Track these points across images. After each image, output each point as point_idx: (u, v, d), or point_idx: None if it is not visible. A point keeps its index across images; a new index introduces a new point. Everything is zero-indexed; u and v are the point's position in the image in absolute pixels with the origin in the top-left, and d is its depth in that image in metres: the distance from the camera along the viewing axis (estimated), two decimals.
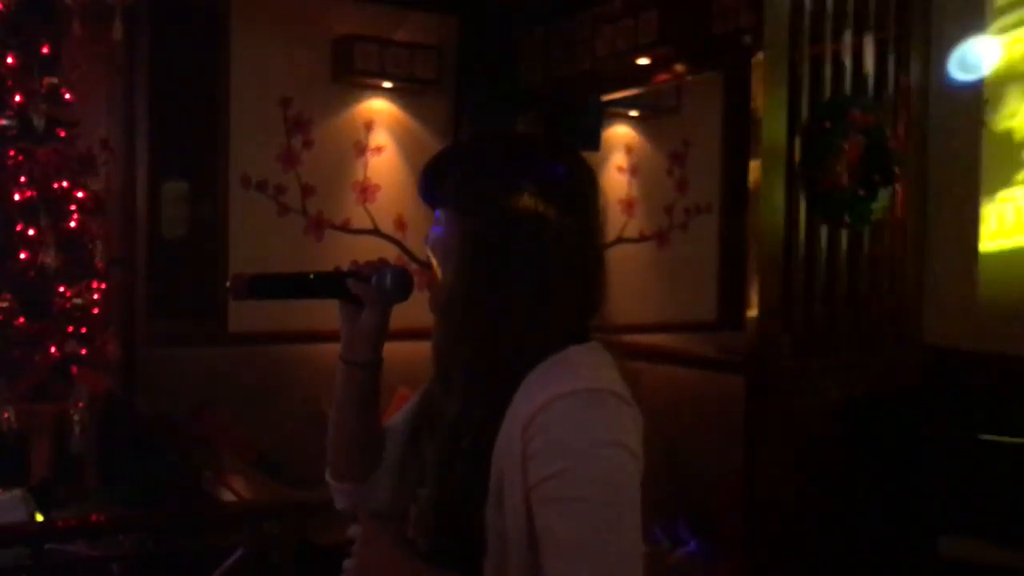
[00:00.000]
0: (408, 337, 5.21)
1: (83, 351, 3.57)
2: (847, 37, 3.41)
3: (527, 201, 1.16)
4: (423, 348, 4.95)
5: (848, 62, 3.40)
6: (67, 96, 3.64)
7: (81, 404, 3.53)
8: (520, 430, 1.08)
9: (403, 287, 1.30)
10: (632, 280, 5.53)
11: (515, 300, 1.15)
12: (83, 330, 3.59)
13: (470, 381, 1.17)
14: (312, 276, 1.29)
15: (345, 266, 1.36)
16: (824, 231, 3.31)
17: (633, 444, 1.10)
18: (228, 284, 1.31)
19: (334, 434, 1.37)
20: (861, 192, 3.27)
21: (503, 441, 1.11)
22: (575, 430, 1.06)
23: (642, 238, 5.58)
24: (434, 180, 1.24)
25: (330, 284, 1.29)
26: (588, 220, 1.22)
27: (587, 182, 1.24)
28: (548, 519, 1.06)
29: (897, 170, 3.33)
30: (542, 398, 1.08)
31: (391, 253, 4.95)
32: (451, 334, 1.21)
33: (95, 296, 3.64)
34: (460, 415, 1.17)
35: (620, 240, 5.51)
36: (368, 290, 1.29)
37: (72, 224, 3.58)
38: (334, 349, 5.14)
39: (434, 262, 1.25)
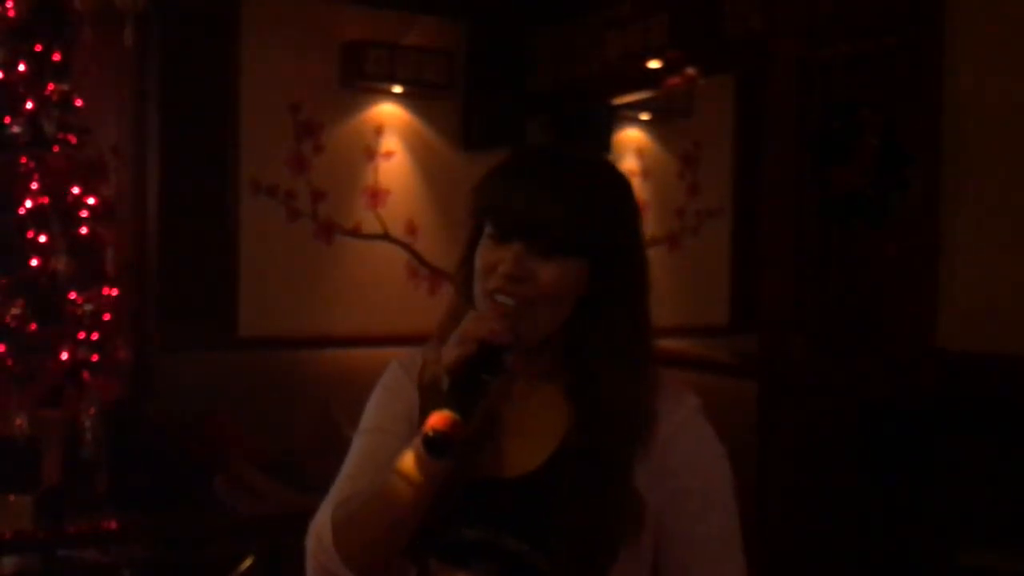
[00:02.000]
0: (414, 343, 5.19)
1: (94, 357, 3.57)
2: (860, 39, 3.38)
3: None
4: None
5: (861, 64, 3.38)
6: (78, 103, 3.65)
7: (92, 410, 3.54)
8: (659, 446, 1.14)
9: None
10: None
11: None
12: (94, 336, 3.59)
13: (621, 407, 1.14)
14: (486, 375, 1.06)
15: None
16: (837, 234, 3.28)
17: None
18: (428, 447, 1.04)
19: (394, 533, 1.11)
20: (874, 194, 3.24)
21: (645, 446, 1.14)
22: (712, 444, 1.18)
23: (653, 242, 5.55)
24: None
25: (497, 365, 1.08)
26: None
27: None
28: (697, 525, 1.14)
29: (910, 171, 3.30)
30: (679, 416, 1.16)
31: (401, 257, 4.95)
32: (619, 373, 1.14)
33: (106, 302, 3.64)
34: (604, 443, 1.12)
35: None
36: (514, 353, 1.12)
37: (83, 230, 3.59)
38: (343, 354, 5.13)
39: (534, 292, 1.11)
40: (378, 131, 4.86)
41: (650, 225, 5.56)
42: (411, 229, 4.96)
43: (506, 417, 1.17)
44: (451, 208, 5.07)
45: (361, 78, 4.68)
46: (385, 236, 4.90)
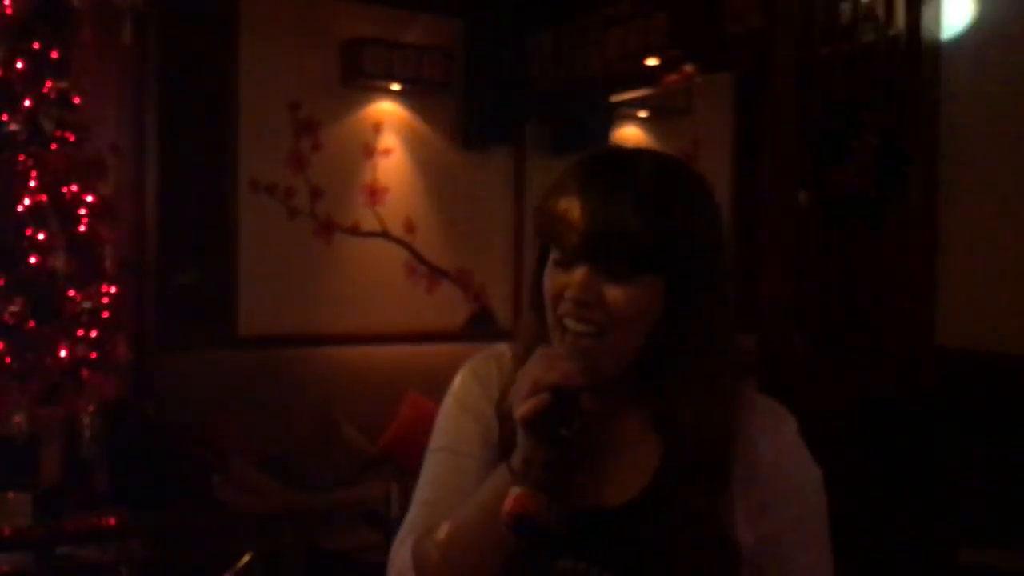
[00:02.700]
0: (413, 341, 5.18)
1: (93, 355, 3.57)
2: (858, 38, 3.38)
3: None
4: (432, 351, 4.91)
5: (860, 63, 3.38)
6: (76, 100, 3.64)
7: (91, 408, 3.54)
8: (761, 474, 1.07)
9: None
10: None
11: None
12: (93, 334, 3.59)
13: (710, 435, 1.07)
14: (564, 431, 0.97)
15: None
16: (836, 233, 3.28)
17: None
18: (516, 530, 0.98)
19: (484, 566, 1.05)
20: (874, 193, 3.24)
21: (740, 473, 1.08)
22: (812, 470, 1.11)
23: None
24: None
25: (573, 411, 0.99)
26: None
27: None
28: (799, 554, 1.08)
29: (909, 170, 3.31)
30: (780, 442, 1.09)
31: (400, 255, 4.94)
32: (705, 398, 1.06)
33: (105, 300, 3.64)
34: (696, 476, 1.05)
35: None
36: (591, 394, 1.04)
37: (82, 228, 3.59)
38: (344, 352, 5.13)
39: (604, 319, 1.03)
40: (377, 129, 4.86)
41: None
42: (410, 227, 4.96)
43: (594, 447, 1.08)
44: (450, 206, 5.08)
45: (360, 76, 4.68)
46: (384, 234, 4.90)
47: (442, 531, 1.05)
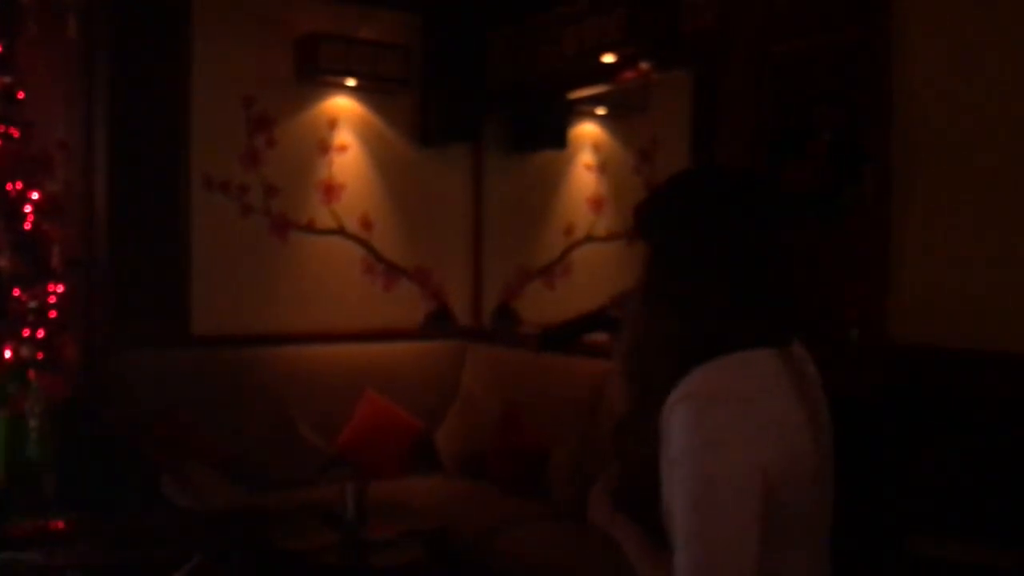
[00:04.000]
0: (371, 339, 5.15)
1: (40, 355, 3.49)
2: (813, 36, 3.41)
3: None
4: (390, 350, 4.87)
5: (815, 60, 3.41)
6: (21, 96, 3.56)
7: (38, 410, 3.46)
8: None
9: None
10: (601, 279, 5.51)
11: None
12: (40, 334, 3.51)
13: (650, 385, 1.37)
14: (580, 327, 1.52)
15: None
16: (790, 229, 3.30)
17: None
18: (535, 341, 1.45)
19: None
20: (828, 189, 3.27)
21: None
22: (683, 433, 1.26)
23: (611, 236, 5.57)
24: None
25: (594, 320, 1.50)
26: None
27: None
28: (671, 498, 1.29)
29: (862, 167, 3.34)
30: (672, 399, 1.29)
31: (356, 253, 4.90)
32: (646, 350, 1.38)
33: (52, 299, 3.56)
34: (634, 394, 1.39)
35: (589, 239, 5.51)
36: (617, 312, 1.46)
37: (27, 226, 3.50)
38: (300, 351, 5.08)
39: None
40: (332, 125, 4.81)
41: (607, 220, 5.57)
42: (367, 224, 4.92)
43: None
44: (407, 203, 5.04)
45: (316, 71, 4.63)
46: (340, 232, 4.86)
47: None
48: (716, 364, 1.28)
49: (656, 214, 1.40)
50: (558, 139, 5.27)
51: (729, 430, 1.22)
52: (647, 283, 1.37)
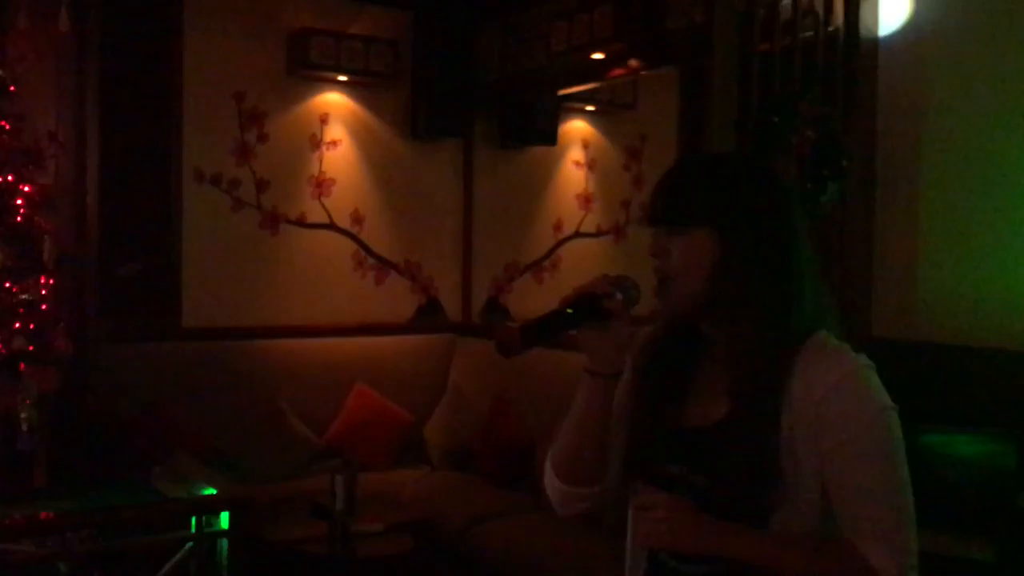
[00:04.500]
0: (361, 332, 5.18)
1: (31, 348, 3.50)
2: (798, 33, 3.45)
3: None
4: (380, 343, 4.91)
5: (798, 57, 3.44)
6: (12, 89, 3.57)
7: (29, 402, 3.48)
8: (814, 406, 1.30)
9: (637, 296, 1.43)
10: (589, 274, 5.54)
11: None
12: (31, 327, 3.52)
13: (759, 369, 1.34)
14: (570, 310, 1.38)
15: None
16: None
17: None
18: (496, 343, 1.41)
19: (580, 444, 1.44)
20: (810, 185, 3.31)
21: (796, 405, 1.31)
22: (869, 400, 1.31)
23: (599, 232, 5.61)
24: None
25: (587, 309, 1.38)
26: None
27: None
28: (855, 474, 1.29)
29: (846, 164, 3.38)
30: (833, 378, 1.30)
31: (347, 247, 4.93)
32: (751, 328, 1.34)
33: (43, 292, 3.58)
34: (749, 390, 1.33)
35: (578, 234, 5.54)
36: (619, 304, 1.39)
37: (18, 219, 3.52)
38: (290, 344, 5.11)
39: (667, 268, 1.38)
40: (323, 120, 4.84)
41: (596, 216, 5.61)
42: (357, 219, 4.95)
43: (696, 379, 1.42)
44: (398, 198, 5.07)
45: (306, 67, 4.65)
46: (331, 226, 4.89)
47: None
48: (831, 343, 1.35)
49: (744, 201, 1.36)
50: (547, 135, 5.30)
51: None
52: (730, 283, 1.33)
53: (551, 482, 1.48)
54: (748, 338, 1.33)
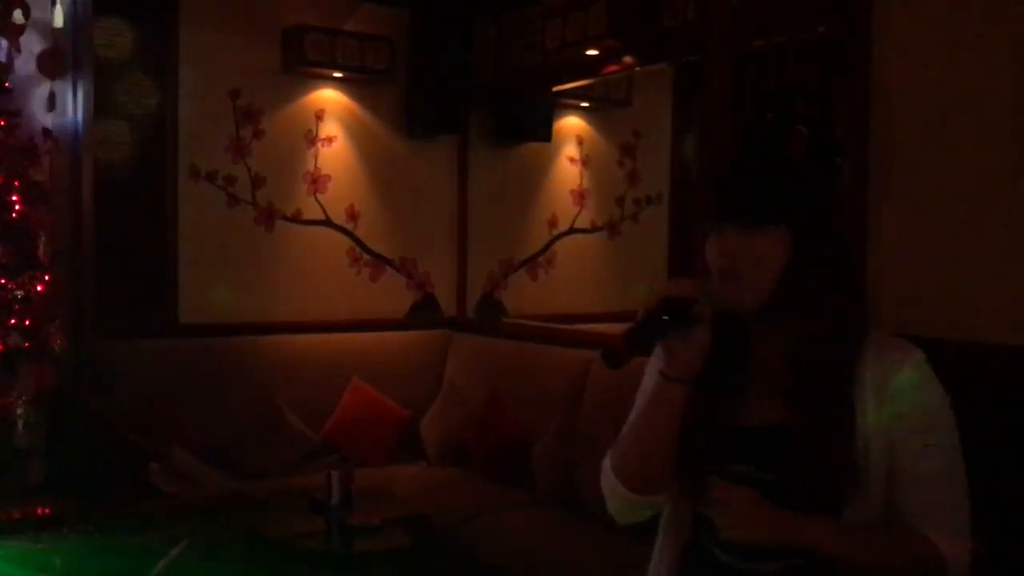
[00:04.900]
0: (356, 328, 5.20)
1: (27, 344, 3.51)
2: (792, 31, 3.46)
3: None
4: (375, 339, 4.92)
5: (793, 55, 3.46)
6: (7, 85, 3.57)
7: (25, 399, 3.49)
8: (891, 393, 1.35)
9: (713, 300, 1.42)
10: (584, 270, 5.57)
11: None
12: (27, 323, 3.53)
13: (829, 364, 1.38)
14: (666, 317, 1.37)
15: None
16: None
17: None
18: (603, 355, 1.36)
19: (654, 451, 1.43)
20: None
21: (869, 399, 1.35)
22: (937, 391, 1.38)
23: (594, 228, 5.63)
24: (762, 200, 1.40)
25: (680, 315, 1.37)
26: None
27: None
28: (922, 462, 1.35)
29: (840, 161, 3.40)
30: (909, 366, 1.36)
31: (343, 244, 4.94)
32: (820, 326, 1.38)
33: (39, 288, 3.58)
34: (821, 388, 1.36)
35: (572, 230, 5.56)
36: (705, 310, 1.38)
37: (13, 215, 3.52)
38: (286, 341, 5.12)
39: (738, 266, 1.38)
40: (319, 117, 4.85)
41: (590, 212, 5.63)
42: (352, 215, 4.96)
43: (758, 379, 1.43)
44: (393, 194, 5.08)
45: (302, 63, 4.66)
46: (326, 222, 4.90)
47: (624, 429, 1.50)
48: (889, 337, 1.41)
49: (814, 202, 1.40)
50: (542, 132, 5.31)
51: None
52: (803, 281, 1.36)
53: (616, 491, 1.46)
54: (822, 336, 1.36)
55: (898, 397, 1.35)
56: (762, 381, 1.42)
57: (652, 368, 1.52)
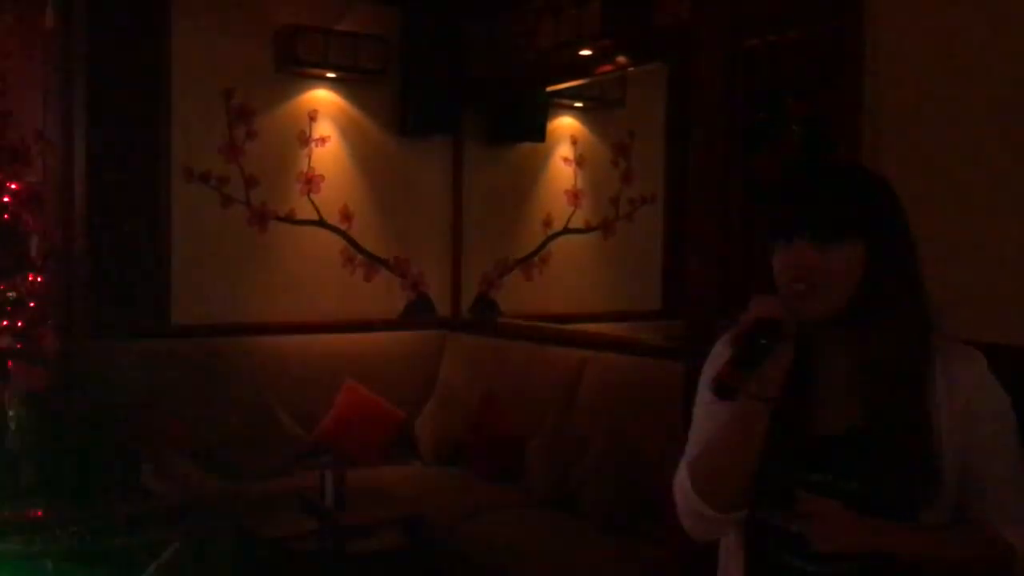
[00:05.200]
0: (351, 329, 5.18)
1: (19, 346, 3.50)
2: (785, 29, 3.46)
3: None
4: (369, 339, 4.90)
5: (785, 54, 3.46)
6: None
7: (17, 400, 3.48)
8: (964, 396, 1.40)
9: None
10: (578, 270, 5.57)
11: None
12: (19, 324, 3.53)
13: (903, 371, 1.41)
14: (763, 340, 1.36)
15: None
16: (760, 220, 3.36)
17: None
18: (717, 387, 1.37)
19: (739, 470, 1.42)
20: None
21: (943, 404, 1.39)
22: (1002, 395, 1.43)
23: (588, 228, 5.62)
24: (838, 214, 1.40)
25: (775, 336, 1.37)
26: None
27: None
28: (993, 462, 1.40)
29: (833, 159, 3.40)
30: (977, 371, 1.41)
31: (337, 244, 4.94)
32: (896, 334, 1.40)
33: (31, 289, 3.58)
34: (899, 395, 1.39)
35: (567, 230, 5.55)
36: (792, 327, 1.39)
37: (6, 217, 3.52)
38: (280, 341, 5.11)
39: (814, 279, 1.38)
40: (312, 117, 4.84)
41: (584, 212, 5.63)
42: (346, 215, 4.95)
43: (825, 387, 1.45)
44: (387, 194, 5.08)
45: (294, 63, 4.65)
46: (320, 222, 4.89)
47: (704, 447, 1.47)
48: (954, 342, 1.45)
49: (888, 213, 1.43)
50: (536, 132, 5.31)
51: None
52: (879, 293, 1.39)
53: (697, 509, 1.45)
54: (898, 343, 1.39)
55: (973, 400, 1.40)
56: (829, 389, 1.44)
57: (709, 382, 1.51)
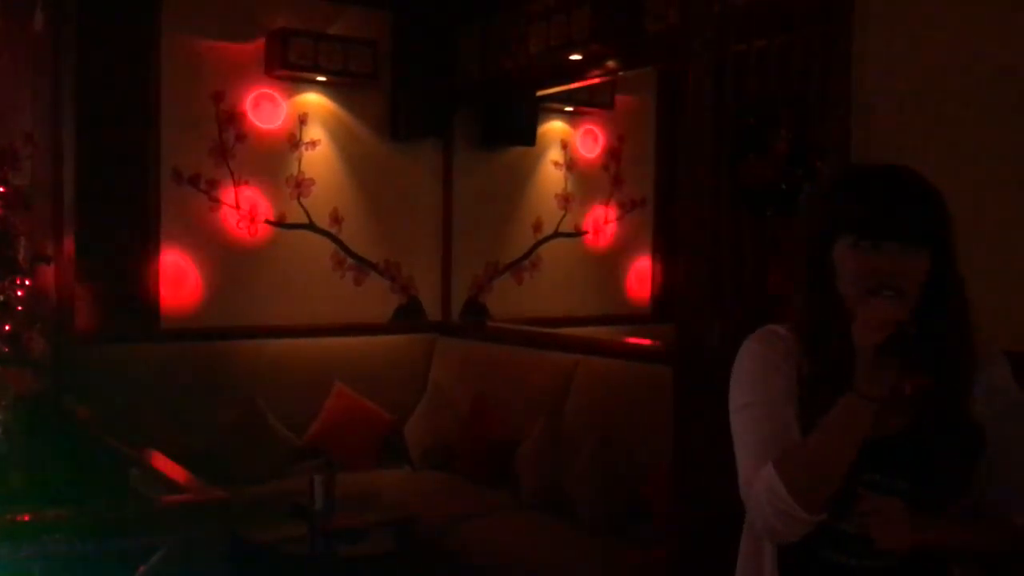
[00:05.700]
0: (340, 333, 5.18)
1: (7, 349, 3.49)
2: (774, 35, 3.48)
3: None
4: (359, 343, 4.90)
5: (775, 59, 3.47)
6: None
7: (5, 404, 3.46)
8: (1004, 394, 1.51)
9: None
10: (568, 274, 5.58)
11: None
12: (7, 328, 3.51)
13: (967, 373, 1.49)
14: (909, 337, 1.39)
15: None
16: (751, 224, 3.37)
17: None
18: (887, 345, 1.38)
19: (839, 471, 1.42)
20: (784, 186, 3.34)
21: (985, 401, 1.49)
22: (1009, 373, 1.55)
23: (578, 232, 5.64)
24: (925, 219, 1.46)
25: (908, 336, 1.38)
26: None
27: None
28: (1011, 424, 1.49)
29: (820, 164, 3.41)
30: (998, 355, 1.53)
31: (326, 247, 4.93)
32: (959, 335, 1.47)
33: (19, 293, 3.56)
34: (954, 396, 1.47)
35: (557, 234, 5.56)
36: (912, 328, 1.40)
37: None
38: (270, 345, 5.11)
39: (902, 283, 1.42)
40: (302, 120, 4.84)
41: (574, 216, 5.64)
42: (336, 219, 4.95)
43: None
44: (377, 198, 5.08)
45: (285, 67, 4.65)
46: (310, 226, 4.89)
47: (802, 448, 1.44)
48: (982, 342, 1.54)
49: (946, 218, 1.47)
50: (527, 136, 5.32)
51: None
52: (944, 297, 1.45)
53: (789, 513, 1.41)
54: (962, 347, 1.46)
55: (997, 395, 1.49)
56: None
57: (771, 373, 1.52)
